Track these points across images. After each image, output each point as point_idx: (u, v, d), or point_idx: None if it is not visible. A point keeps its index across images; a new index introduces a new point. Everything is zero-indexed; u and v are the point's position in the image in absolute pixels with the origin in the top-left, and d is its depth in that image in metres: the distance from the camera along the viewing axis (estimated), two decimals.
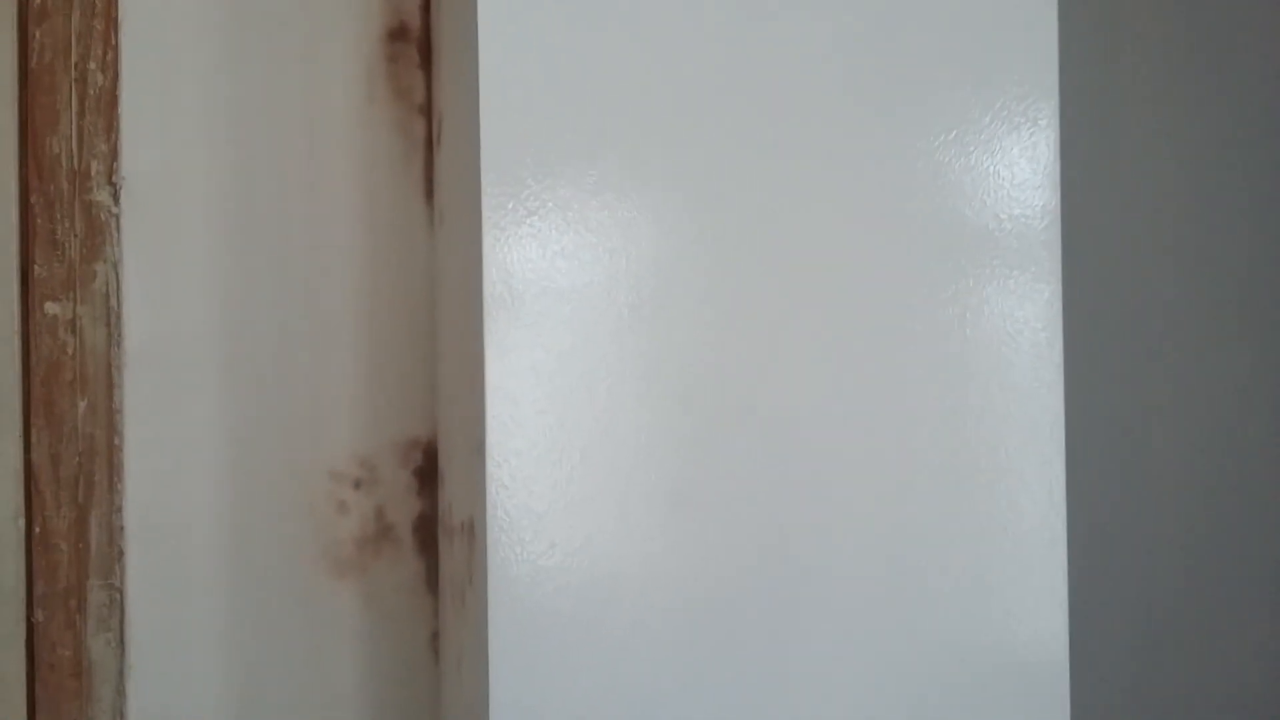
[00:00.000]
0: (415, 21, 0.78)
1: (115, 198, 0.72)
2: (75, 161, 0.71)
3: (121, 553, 0.72)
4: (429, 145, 0.79)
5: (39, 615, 0.71)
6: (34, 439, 0.71)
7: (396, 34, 0.78)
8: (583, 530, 0.63)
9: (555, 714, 0.62)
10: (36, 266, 0.71)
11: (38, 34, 0.71)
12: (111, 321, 0.72)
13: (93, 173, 0.71)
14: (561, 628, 0.63)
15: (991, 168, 0.69)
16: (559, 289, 0.62)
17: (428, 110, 0.78)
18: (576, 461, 0.63)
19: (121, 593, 0.72)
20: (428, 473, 0.79)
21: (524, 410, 0.61)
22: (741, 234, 0.64)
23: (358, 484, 0.77)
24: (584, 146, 0.62)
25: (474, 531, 0.65)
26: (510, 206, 0.61)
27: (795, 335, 0.65)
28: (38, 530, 0.70)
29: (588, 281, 0.63)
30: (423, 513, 0.79)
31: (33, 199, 0.71)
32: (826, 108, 0.65)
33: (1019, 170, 0.69)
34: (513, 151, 0.62)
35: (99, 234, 0.71)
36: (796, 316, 0.65)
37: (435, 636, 0.79)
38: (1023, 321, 0.69)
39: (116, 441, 0.72)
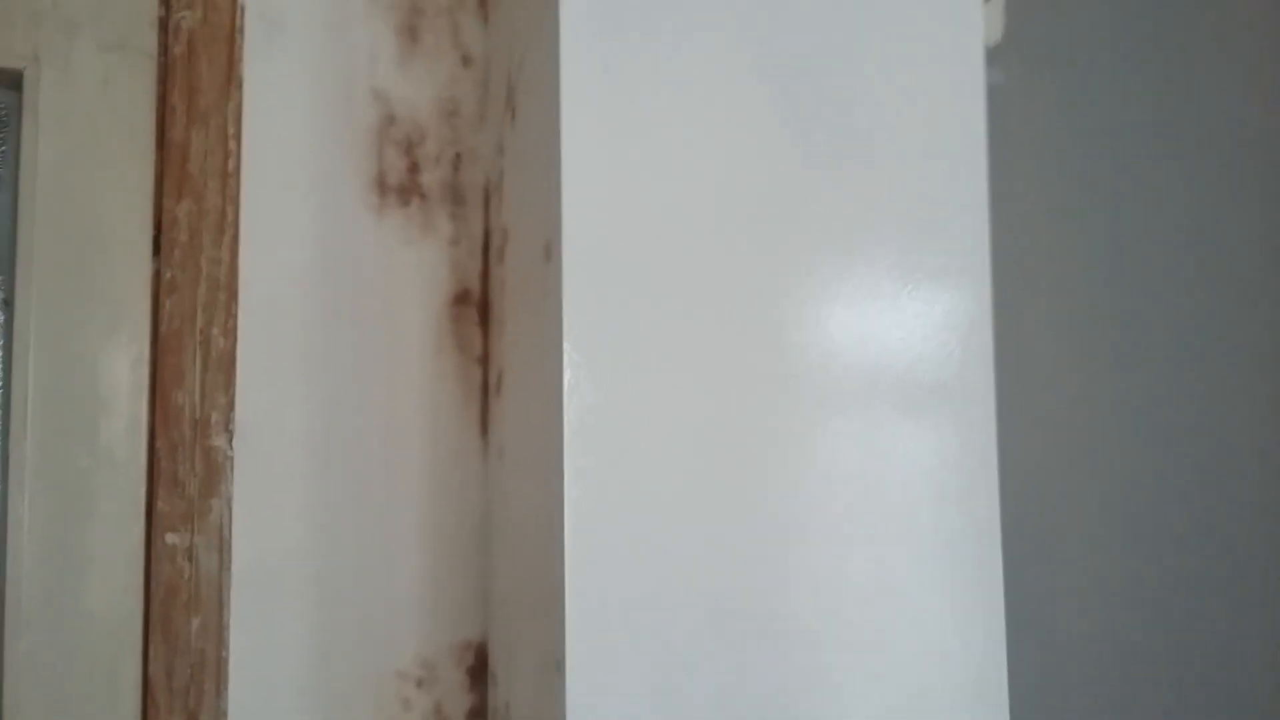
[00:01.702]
0: (476, 288, 0.92)
1: (230, 442, 0.82)
2: (197, 412, 0.82)
3: None
4: (485, 390, 0.91)
5: None
6: (151, 654, 0.79)
7: (460, 298, 0.91)
8: None
9: None
10: (160, 502, 0.80)
11: (168, 304, 0.82)
12: (223, 549, 0.81)
13: (212, 421, 0.82)
14: None
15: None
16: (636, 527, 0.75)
17: (484, 361, 0.91)
18: (646, 685, 0.74)
19: None
20: (477, 670, 0.89)
21: (603, 630, 0.74)
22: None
23: (419, 683, 0.88)
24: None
25: None
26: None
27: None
28: None
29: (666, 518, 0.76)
30: (473, 706, 0.89)
31: (159, 444, 0.81)
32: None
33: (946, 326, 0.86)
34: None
35: (216, 473, 0.82)
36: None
37: None
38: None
39: (223, 654, 0.81)
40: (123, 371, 0.81)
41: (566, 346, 0.74)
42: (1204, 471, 1.25)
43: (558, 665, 0.74)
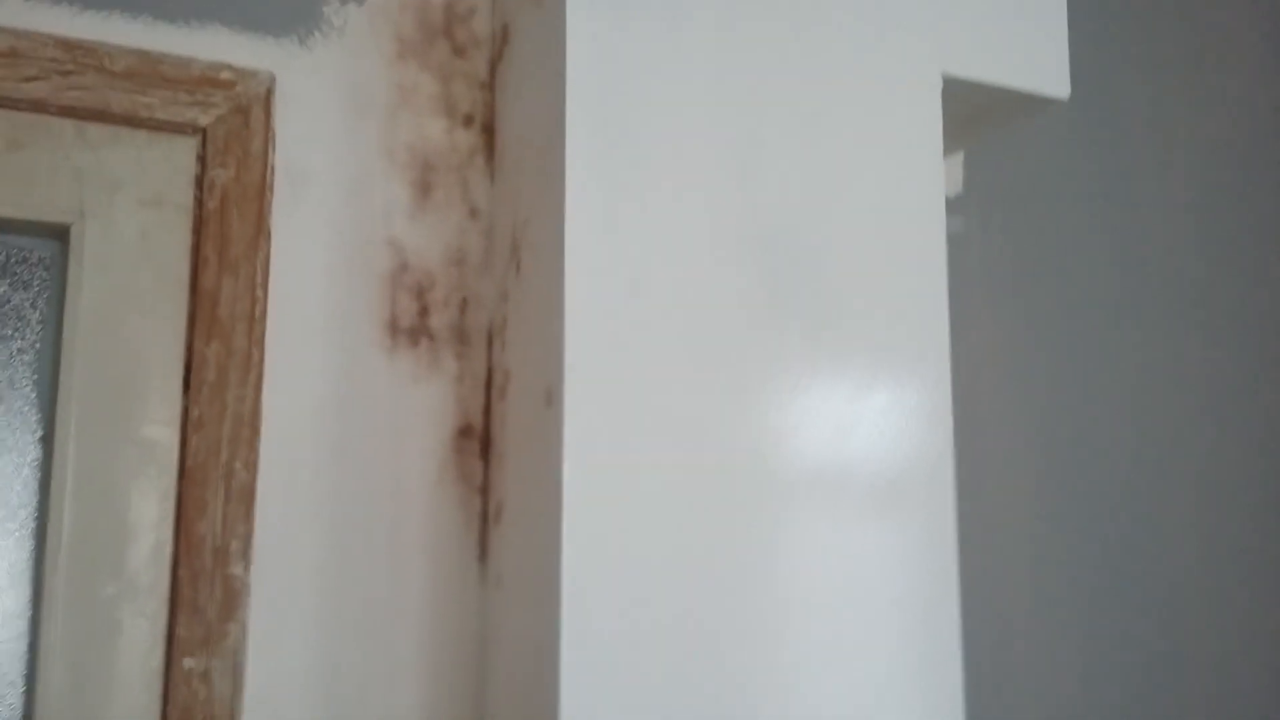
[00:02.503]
0: (479, 422, 0.98)
1: (247, 570, 0.87)
2: (218, 541, 0.86)
3: None
4: (484, 518, 0.97)
5: None
6: None
7: (464, 432, 0.97)
8: None
9: None
10: (180, 628, 0.85)
11: (195, 439, 0.87)
12: (237, 672, 0.85)
13: (231, 550, 0.87)
14: None
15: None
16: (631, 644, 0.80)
17: (484, 491, 0.97)
18: None
19: None
20: None
21: None
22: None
23: None
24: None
25: None
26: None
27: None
28: None
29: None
30: None
31: (181, 572, 0.85)
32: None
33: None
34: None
35: (233, 600, 0.86)
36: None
37: None
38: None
39: None
40: (151, 503, 0.86)
41: (565, 487, 0.80)
42: (1163, 569, 1.31)
43: None
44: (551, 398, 0.82)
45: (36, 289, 0.89)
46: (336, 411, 0.93)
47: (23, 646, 0.83)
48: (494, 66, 1.02)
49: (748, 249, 0.89)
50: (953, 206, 1.22)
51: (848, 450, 0.89)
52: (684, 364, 0.85)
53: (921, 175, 0.97)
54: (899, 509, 0.90)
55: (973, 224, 1.27)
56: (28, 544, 0.85)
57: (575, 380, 0.81)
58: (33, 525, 0.85)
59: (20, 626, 0.84)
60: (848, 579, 0.88)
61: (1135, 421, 1.33)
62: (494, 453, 0.96)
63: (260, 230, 0.91)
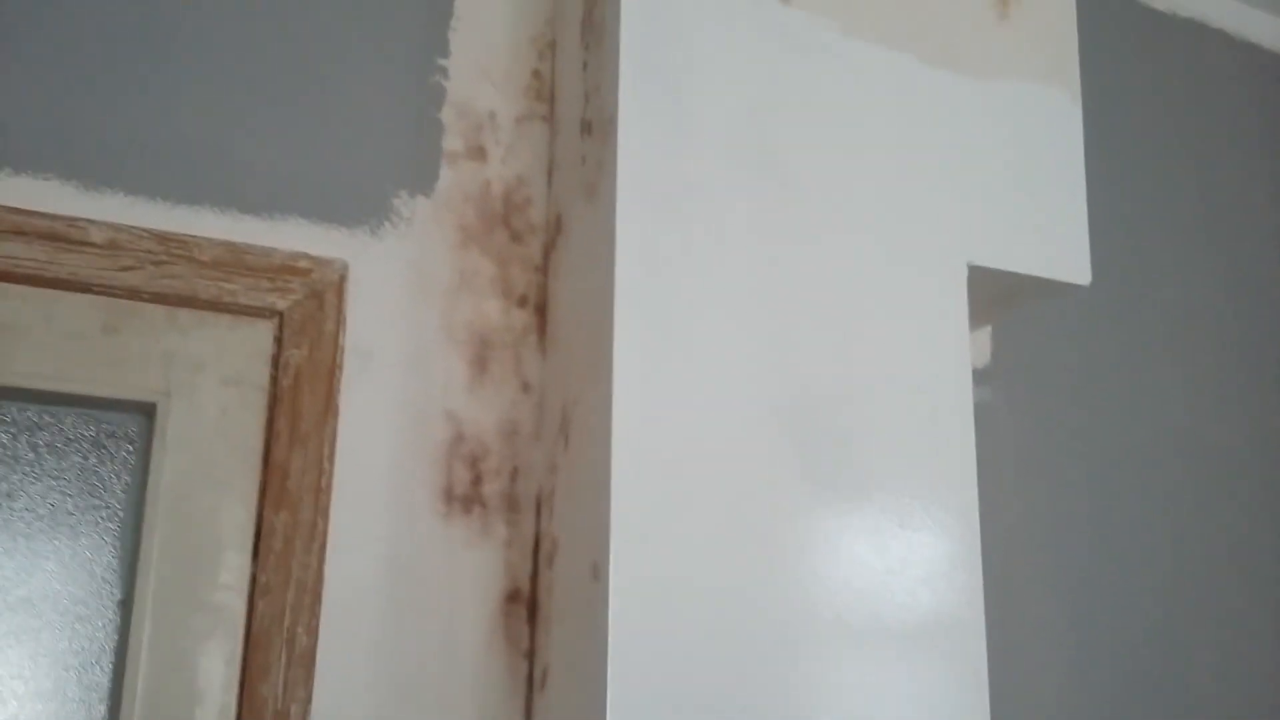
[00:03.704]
0: (526, 587, 1.01)
1: None
2: (279, 704, 0.90)
3: None
4: (530, 683, 0.99)
5: None
6: None
7: (512, 597, 1.01)
8: None
9: None
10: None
11: (261, 605, 0.92)
12: None
13: (291, 713, 0.90)
14: None
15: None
16: None
17: (530, 655, 1.00)
18: None
19: None
20: None
21: None
22: None
23: None
24: None
25: None
26: None
27: None
28: None
29: None
30: None
31: None
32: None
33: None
34: None
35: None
36: None
37: None
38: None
39: None
40: (218, 667, 0.90)
41: (610, 659, 0.83)
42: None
43: None
44: (598, 572, 0.86)
45: (122, 462, 0.95)
46: (393, 576, 0.97)
47: None
48: (547, 252, 1.09)
49: (783, 422, 0.93)
50: (981, 377, 1.27)
51: (881, 601, 0.91)
52: (724, 530, 0.89)
53: (948, 351, 1.02)
54: (931, 653, 0.92)
55: (999, 393, 1.31)
56: (100, 708, 0.89)
57: (621, 556, 0.85)
58: (107, 687, 0.89)
59: None
60: (878, 713, 0.89)
61: (1161, 578, 1.35)
62: (540, 618, 0.99)
63: (329, 406, 0.97)
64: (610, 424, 0.88)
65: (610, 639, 0.83)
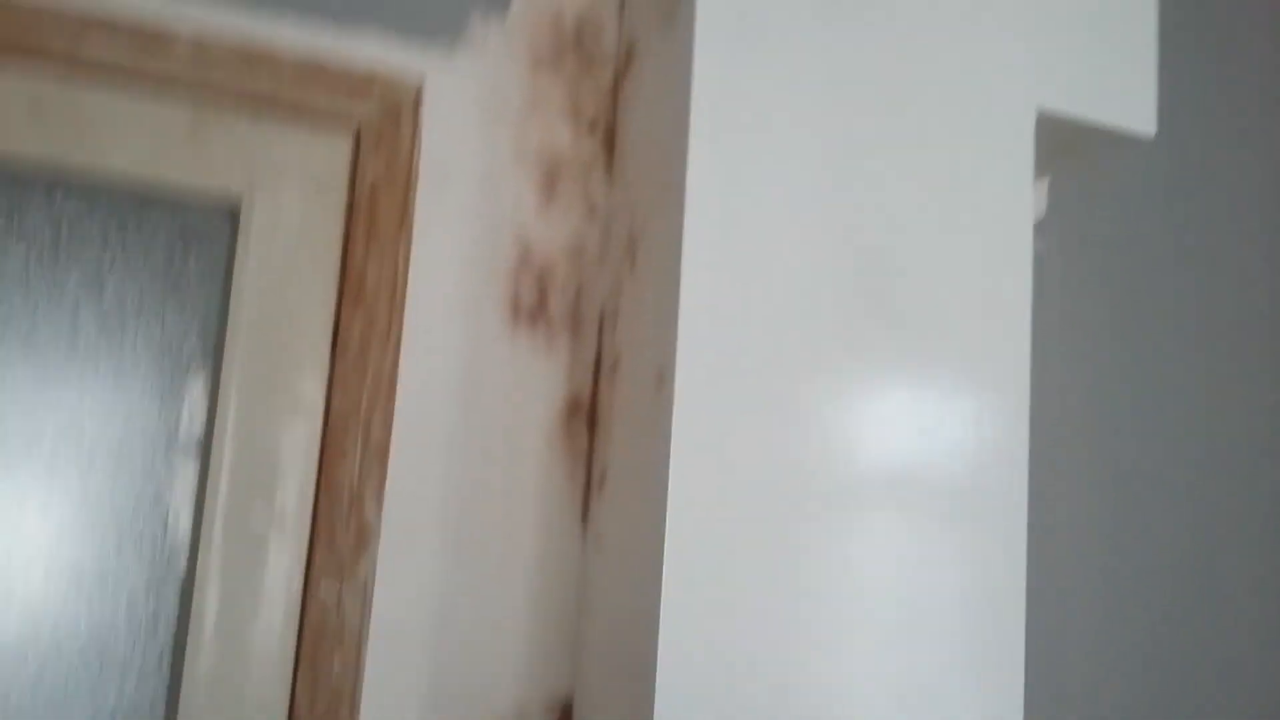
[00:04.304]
0: (586, 400, 1.07)
1: (378, 514, 0.97)
2: (354, 486, 0.97)
3: None
4: (587, 486, 1.06)
5: None
6: (299, 684, 0.93)
7: (573, 407, 1.06)
8: None
9: None
10: (318, 558, 0.95)
11: (339, 397, 0.97)
12: (365, 601, 0.96)
13: (366, 495, 0.97)
14: None
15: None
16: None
17: (589, 461, 1.06)
18: None
19: None
20: None
21: (686, 695, 0.87)
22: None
23: None
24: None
25: None
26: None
27: None
28: None
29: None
30: None
31: (321, 511, 0.96)
32: None
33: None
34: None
35: (365, 538, 0.96)
36: None
37: None
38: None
39: (358, 689, 0.94)
40: (298, 451, 0.96)
41: (672, 461, 0.89)
42: (1231, 587, 1.35)
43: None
44: (663, 380, 0.91)
45: (207, 259, 0.99)
46: (462, 381, 1.02)
47: (183, 565, 0.94)
48: (618, 79, 1.10)
49: (847, 257, 0.96)
50: (1036, 229, 1.28)
51: (928, 453, 0.96)
52: (783, 357, 0.93)
53: (1011, 201, 1.03)
54: (972, 514, 0.96)
55: (1055, 246, 1.32)
56: (193, 479, 0.96)
57: (685, 365, 0.89)
58: (195, 465, 0.96)
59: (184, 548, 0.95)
60: (917, 573, 0.94)
61: (1208, 440, 1.36)
62: (600, 426, 1.05)
63: (404, 217, 1.01)
64: (680, 241, 0.91)
65: (672, 441, 0.88)
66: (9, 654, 0.88)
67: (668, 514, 0.87)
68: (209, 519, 0.93)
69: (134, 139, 0.95)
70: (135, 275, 0.96)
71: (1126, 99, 1.07)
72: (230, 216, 0.99)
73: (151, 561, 0.93)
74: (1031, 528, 0.98)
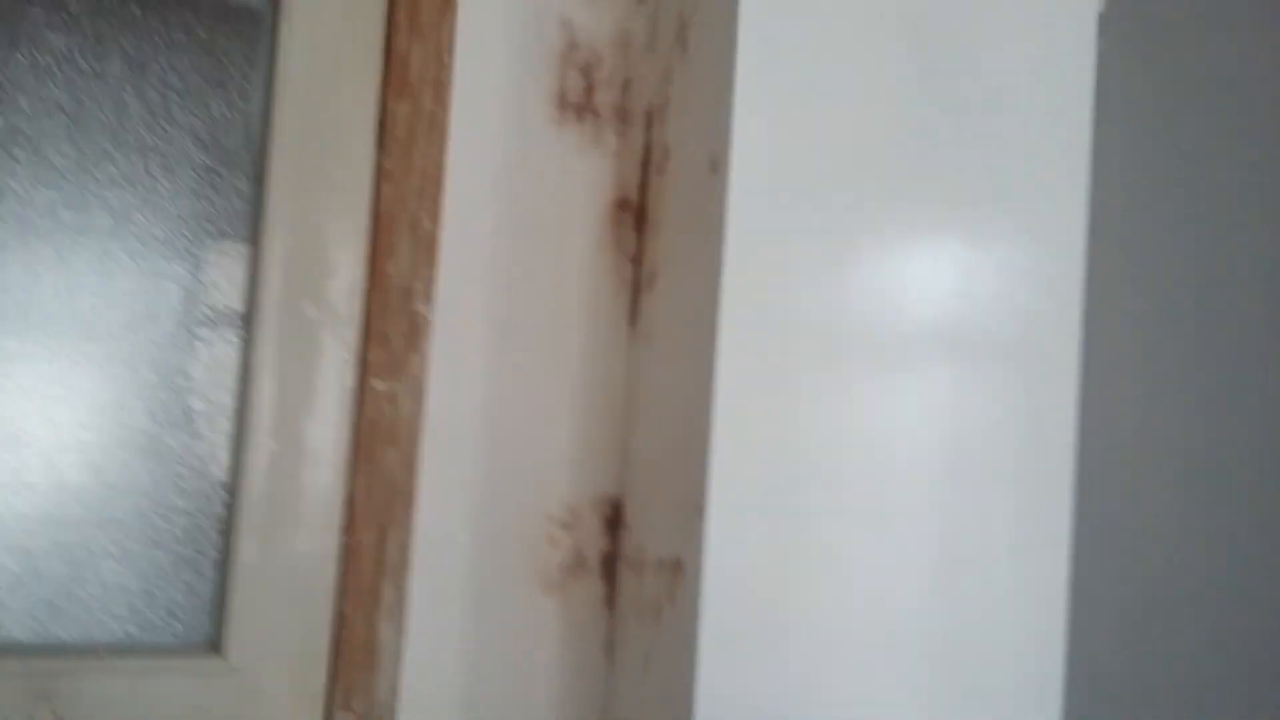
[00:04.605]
0: (634, 196, 1.04)
1: (429, 308, 0.96)
2: (405, 281, 0.95)
3: (409, 562, 0.95)
4: (635, 285, 1.04)
5: (346, 607, 0.93)
6: (356, 479, 0.94)
7: (621, 204, 1.03)
8: (773, 576, 0.88)
9: (740, 683, 0.87)
10: (370, 354, 0.94)
11: (386, 190, 0.95)
12: (418, 396, 0.95)
13: (416, 289, 0.95)
14: (753, 640, 0.87)
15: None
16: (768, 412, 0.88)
17: (637, 260, 1.04)
18: (776, 529, 0.88)
19: (406, 592, 0.95)
20: (613, 520, 1.03)
21: (735, 483, 0.87)
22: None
23: (565, 526, 1.01)
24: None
25: (682, 568, 0.89)
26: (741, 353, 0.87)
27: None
28: (351, 544, 0.93)
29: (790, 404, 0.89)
30: (607, 551, 1.03)
31: (372, 305, 0.94)
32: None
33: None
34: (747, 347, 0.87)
35: (417, 333, 0.95)
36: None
37: (609, 643, 1.02)
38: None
39: (413, 483, 0.95)
40: (347, 244, 0.94)
41: (726, 253, 0.86)
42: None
43: (698, 509, 0.87)
44: (717, 164, 0.88)
45: (252, 50, 0.95)
46: (509, 174, 0.99)
47: (237, 360, 0.93)
48: None
49: (905, 32, 0.92)
50: (1100, 24, 1.22)
51: (980, 300, 0.94)
52: (839, 140, 0.90)
53: None
54: (1023, 368, 0.95)
55: (1114, 43, 1.26)
56: (243, 275, 0.94)
57: (740, 150, 0.86)
58: (245, 251, 0.94)
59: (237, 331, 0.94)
60: (966, 425, 0.93)
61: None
62: (649, 224, 1.02)
63: (447, 3, 0.97)
64: (736, 22, 0.87)
65: (727, 226, 0.86)
66: (73, 447, 0.88)
67: (721, 308, 0.86)
68: (260, 313, 0.92)
69: None
70: (177, 67, 0.92)
71: None
72: (272, 6, 0.95)
73: (206, 355, 0.92)
74: (1083, 383, 0.96)
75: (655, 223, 1.01)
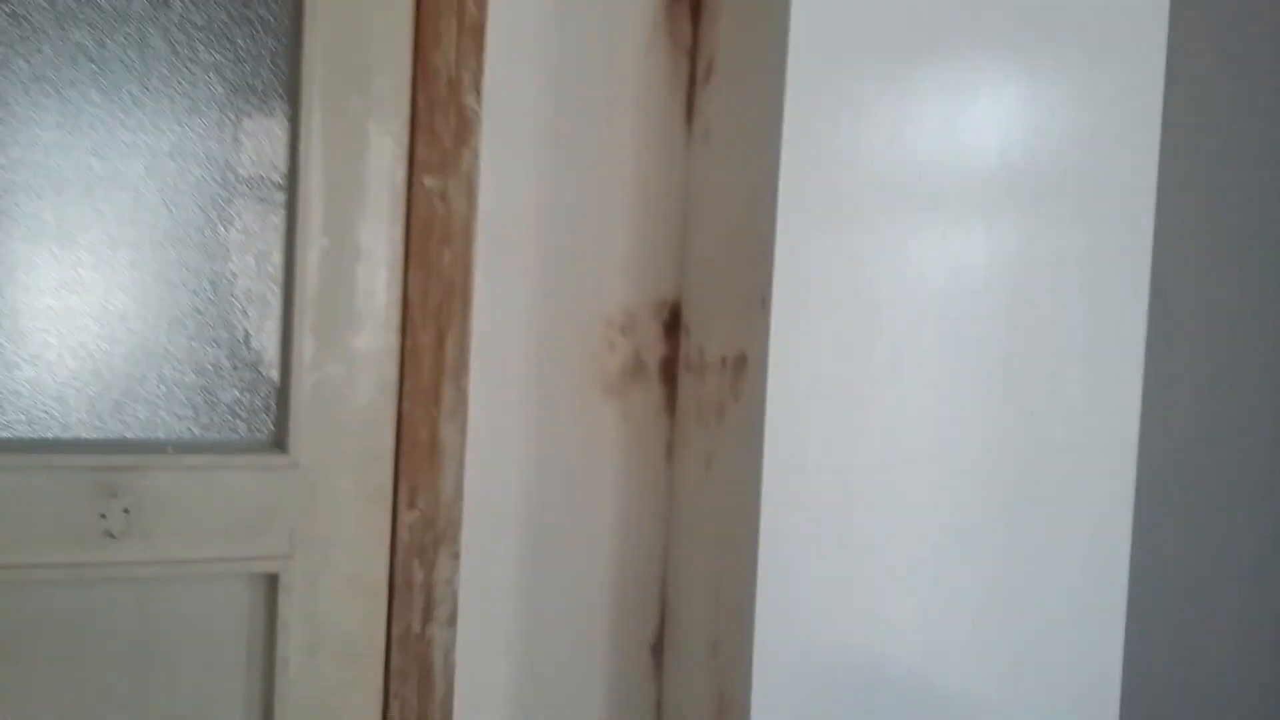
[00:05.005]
0: None
1: (479, 101, 0.92)
2: (452, 72, 0.91)
3: (468, 363, 0.94)
4: (691, 82, 0.99)
5: (407, 406, 0.92)
6: (410, 279, 0.92)
7: None
8: (837, 364, 0.86)
9: (806, 475, 0.86)
10: (419, 150, 0.91)
11: None
12: (471, 194, 0.92)
13: (464, 82, 0.91)
14: (818, 438, 0.86)
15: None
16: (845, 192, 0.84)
17: (693, 53, 0.99)
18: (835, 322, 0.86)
19: (466, 393, 0.94)
20: (671, 325, 1.01)
21: (804, 272, 0.84)
22: None
23: (623, 330, 0.99)
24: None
25: (746, 363, 0.88)
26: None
27: None
28: (409, 343, 0.92)
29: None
30: (666, 355, 1.01)
31: (419, 99, 0.91)
32: None
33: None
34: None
35: (467, 128, 0.92)
36: None
37: (670, 446, 1.01)
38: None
39: (469, 282, 0.93)
40: (391, 31, 0.90)
41: (792, 38, 0.82)
42: None
43: (763, 302, 0.85)
44: None
45: None
46: None
47: (284, 159, 0.91)
48: None
49: None
50: None
51: (1051, 140, 0.88)
52: None
53: None
54: (1096, 210, 0.90)
55: None
56: (286, 56, 0.90)
57: None
58: (288, 42, 0.90)
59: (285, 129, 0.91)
60: (1036, 271, 0.89)
61: None
62: (705, 12, 0.97)
63: None
64: None
65: (792, 10, 0.81)
66: (134, 292, 0.87)
67: (786, 99, 0.81)
68: (307, 102, 0.88)
69: None
70: None
71: None
72: None
73: (252, 148, 0.89)
74: (1159, 226, 0.92)
75: (712, 10, 0.95)
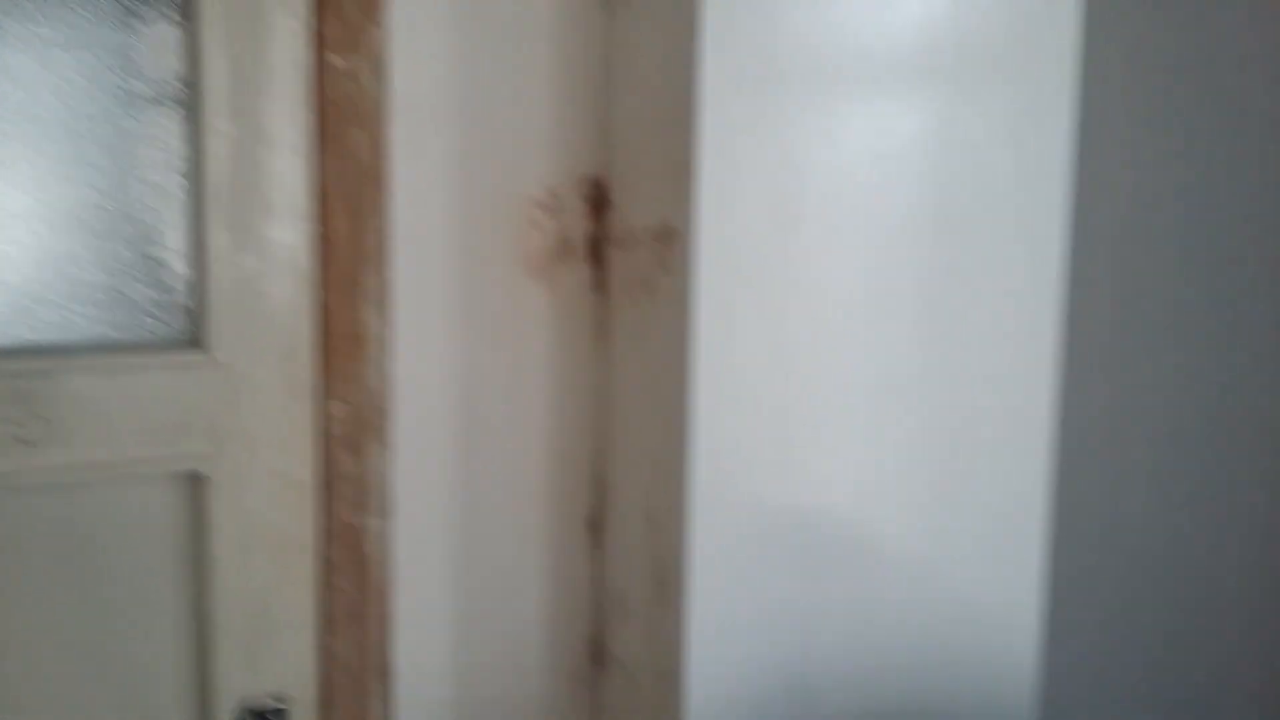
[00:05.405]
0: None
1: None
2: None
3: (388, 249, 0.91)
4: None
5: (327, 297, 0.90)
6: (325, 163, 0.88)
7: None
8: (773, 239, 0.85)
9: (737, 343, 0.86)
10: (325, 27, 0.86)
11: None
12: (382, 75, 0.89)
13: None
14: (750, 307, 0.86)
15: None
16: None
17: None
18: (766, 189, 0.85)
19: (388, 280, 0.91)
20: (597, 201, 0.99)
21: (730, 147, 0.83)
22: None
23: (546, 208, 0.97)
24: None
25: (674, 235, 0.87)
26: None
27: None
28: (326, 231, 0.89)
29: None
30: (592, 232, 1.00)
31: None
32: None
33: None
34: None
35: (374, 2, 0.87)
36: None
37: (601, 323, 1.01)
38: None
39: (383, 165, 0.90)
40: None
41: None
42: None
43: (688, 171, 0.84)
44: None
45: None
46: None
47: (183, 32, 0.85)
48: None
49: None
50: None
51: (969, 11, 0.87)
52: None
53: None
54: (1015, 82, 0.89)
55: None
56: None
57: None
58: None
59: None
60: (955, 154, 0.89)
61: None
62: None
63: None
64: None
65: None
66: (33, 191, 0.81)
67: None
68: None
69: None
70: None
71: None
72: None
73: (152, 38, 0.84)
74: (1084, 95, 0.90)
75: None
